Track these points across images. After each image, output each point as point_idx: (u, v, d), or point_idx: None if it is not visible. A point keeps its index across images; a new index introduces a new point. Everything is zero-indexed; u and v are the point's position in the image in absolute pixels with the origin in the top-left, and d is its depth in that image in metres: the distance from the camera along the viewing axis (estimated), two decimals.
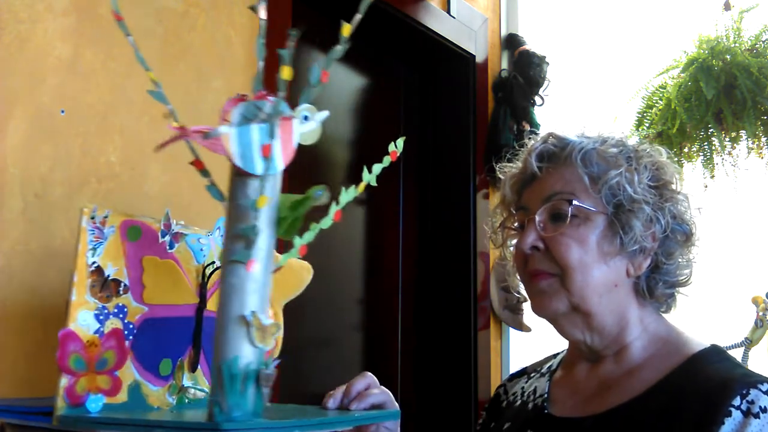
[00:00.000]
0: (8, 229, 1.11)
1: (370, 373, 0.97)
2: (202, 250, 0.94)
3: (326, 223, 0.81)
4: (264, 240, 0.76)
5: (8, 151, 1.10)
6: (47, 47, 1.17)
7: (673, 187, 0.98)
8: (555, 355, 1.14)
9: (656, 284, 0.97)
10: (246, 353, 0.74)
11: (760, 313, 2.18)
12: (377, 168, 0.86)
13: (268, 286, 0.76)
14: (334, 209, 0.81)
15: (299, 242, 0.78)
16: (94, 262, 0.82)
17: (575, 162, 0.96)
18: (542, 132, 1.05)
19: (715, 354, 0.93)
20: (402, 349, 2.25)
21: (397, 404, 0.98)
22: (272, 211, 0.76)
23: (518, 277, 1.04)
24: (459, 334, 2.23)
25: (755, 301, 2.20)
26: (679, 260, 0.98)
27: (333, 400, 0.93)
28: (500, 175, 1.06)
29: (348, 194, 0.83)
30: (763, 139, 2.25)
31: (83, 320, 0.81)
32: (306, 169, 1.96)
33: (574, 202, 0.94)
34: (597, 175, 0.95)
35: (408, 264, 2.30)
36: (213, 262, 0.94)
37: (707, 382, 0.86)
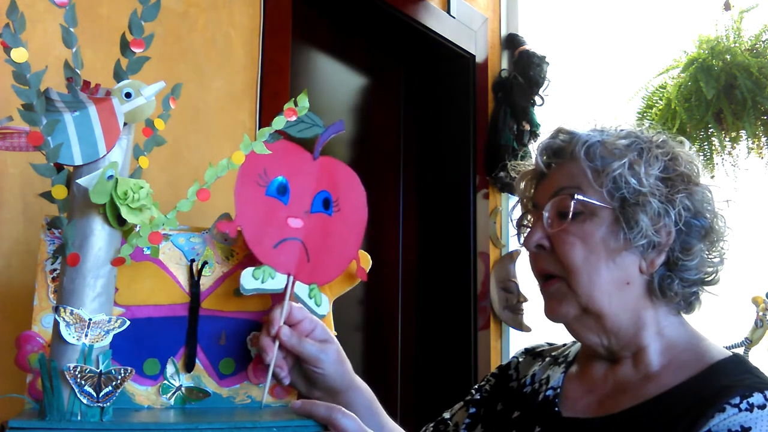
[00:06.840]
0: (8, 229, 1.11)
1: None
2: (194, 248, 0.94)
3: (186, 205, 0.76)
4: (83, 232, 0.73)
5: (8, 151, 1.10)
6: (47, 47, 1.17)
7: (691, 178, 0.91)
8: (574, 343, 1.08)
9: (672, 282, 0.91)
10: (57, 350, 0.73)
11: (760, 313, 2.18)
12: (264, 132, 0.79)
13: (98, 279, 0.74)
14: (195, 188, 0.77)
15: (146, 229, 0.74)
16: (54, 269, 0.86)
17: (579, 155, 0.93)
18: (547, 129, 1.02)
19: (736, 364, 0.88)
20: (402, 349, 2.25)
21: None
22: (100, 198, 0.72)
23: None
24: (459, 334, 2.22)
25: (755, 301, 2.20)
26: (702, 256, 0.91)
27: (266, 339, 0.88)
28: (513, 173, 1.04)
29: (215, 170, 0.78)
30: (763, 139, 2.25)
31: (47, 323, 0.84)
32: None
33: (577, 196, 0.90)
34: (601, 167, 0.91)
35: (408, 264, 2.30)
36: (205, 261, 0.93)
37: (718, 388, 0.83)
